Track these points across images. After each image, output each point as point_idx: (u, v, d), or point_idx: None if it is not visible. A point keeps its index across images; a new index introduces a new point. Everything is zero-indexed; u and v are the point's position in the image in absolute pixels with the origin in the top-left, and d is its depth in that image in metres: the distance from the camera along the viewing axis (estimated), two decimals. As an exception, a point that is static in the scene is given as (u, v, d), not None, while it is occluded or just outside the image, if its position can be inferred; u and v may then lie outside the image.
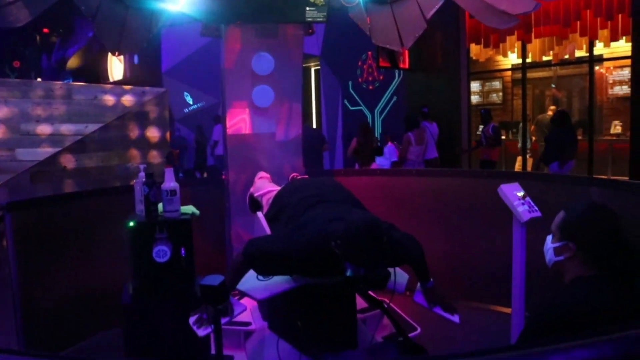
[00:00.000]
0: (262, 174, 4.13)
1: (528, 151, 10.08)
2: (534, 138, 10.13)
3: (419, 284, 3.10)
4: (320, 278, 2.89)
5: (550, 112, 10.01)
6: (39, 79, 16.73)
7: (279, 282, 2.92)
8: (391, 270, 2.75)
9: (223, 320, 2.52)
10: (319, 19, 4.10)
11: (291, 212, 3.05)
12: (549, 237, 1.88)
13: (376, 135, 10.79)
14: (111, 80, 16.82)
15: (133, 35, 4.07)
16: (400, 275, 3.05)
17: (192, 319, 2.71)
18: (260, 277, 2.88)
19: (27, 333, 3.73)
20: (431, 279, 3.09)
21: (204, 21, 4.07)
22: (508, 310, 3.66)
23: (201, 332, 2.63)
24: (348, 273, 2.40)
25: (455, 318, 3.01)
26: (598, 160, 9.17)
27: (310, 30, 4.44)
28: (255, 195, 3.77)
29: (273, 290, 2.90)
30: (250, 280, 2.91)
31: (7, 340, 3.79)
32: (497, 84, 10.97)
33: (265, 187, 3.80)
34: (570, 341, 1.03)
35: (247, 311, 3.83)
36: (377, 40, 4.44)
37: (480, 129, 9.45)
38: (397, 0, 4.21)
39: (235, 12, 3.97)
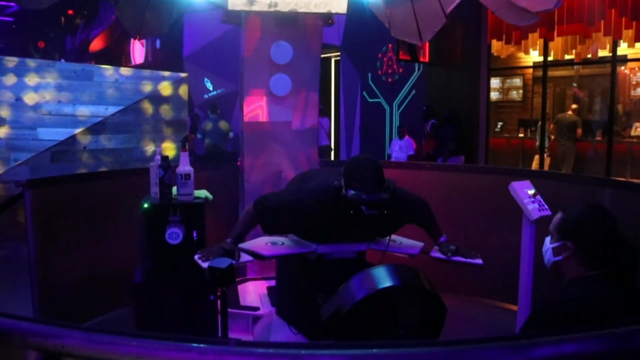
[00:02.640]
0: None
1: (546, 150, 10.00)
2: (552, 137, 10.04)
3: (434, 246, 3.18)
4: (325, 240, 2.97)
5: (570, 112, 9.92)
6: (62, 60, 16.93)
7: (284, 247, 3.04)
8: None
9: (227, 262, 2.55)
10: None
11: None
12: (548, 239, 1.90)
13: (393, 128, 10.79)
14: (133, 63, 16.96)
15: (155, 19, 4.13)
16: (412, 242, 3.25)
17: (197, 255, 2.82)
18: (269, 244, 3.03)
19: (43, 308, 3.83)
20: (444, 235, 3.16)
21: (225, 7, 4.11)
22: (515, 308, 3.68)
23: (204, 265, 2.69)
24: (350, 194, 2.57)
25: (478, 261, 3.06)
26: (617, 162, 9.08)
27: (330, 21, 4.46)
28: None
29: (278, 251, 2.97)
30: (256, 244, 3.03)
31: (24, 314, 3.89)
32: (517, 81, 10.88)
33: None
34: (560, 335, 1.07)
35: (255, 296, 3.91)
36: (396, 33, 4.46)
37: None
38: (417, -6, 4.22)
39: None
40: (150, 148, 7.50)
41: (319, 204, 2.79)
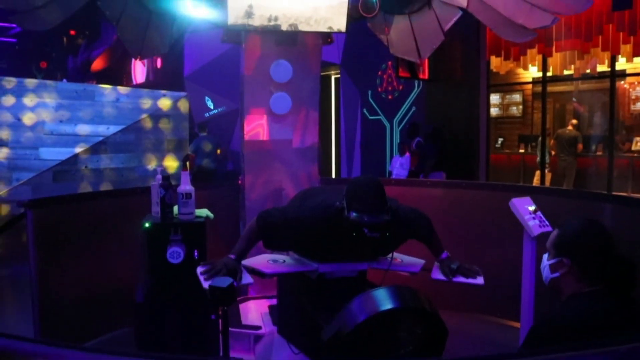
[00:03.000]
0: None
1: (547, 165, 10.01)
2: (553, 152, 10.06)
3: (435, 263, 3.16)
4: (327, 259, 2.97)
5: (570, 127, 9.95)
6: (64, 80, 17.05)
7: (285, 265, 3.03)
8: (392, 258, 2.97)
9: (228, 281, 2.51)
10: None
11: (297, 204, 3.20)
12: (545, 255, 1.91)
13: (394, 145, 10.81)
14: (134, 82, 17.06)
15: (155, 40, 4.18)
16: (413, 260, 3.25)
17: (200, 269, 2.79)
18: (271, 262, 3.02)
19: (43, 327, 3.82)
20: (445, 251, 3.15)
21: (225, 27, 4.15)
22: (518, 325, 3.66)
23: (205, 284, 2.65)
24: (352, 216, 2.57)
25: (480, 280, 3.04)
26: (618, 177, 9.08)
27: (329, 39, 4.50)
28: None
29: (279, 269, 2.97)
30: (258, 261, 3.04)
31: (25, 333, 3.88)
32: (517, 97, 10.93)
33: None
34: (559, 352, 1.06)
35: (257, 315, 3.90)
36: (395, 51, 4.49)
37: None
38: (415, 12, 4.26)
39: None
40: (151, 167, 7.52)
41: (320, 222, 2.79)
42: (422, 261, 3.28)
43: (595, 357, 1.08)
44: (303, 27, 4.09)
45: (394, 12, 4.30)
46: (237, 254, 2.86)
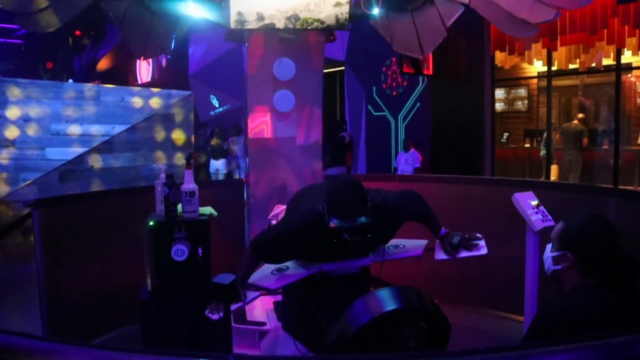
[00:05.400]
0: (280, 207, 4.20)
1: (553, 160, 9.98)
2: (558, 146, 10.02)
3: (436, 242, 3.16)
4: (325, 260, 2.98)
5: (576, 121, 9.91)
6: (70, 80, 17.14)
7: (290, 272, 3.03)
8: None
9: (237, 305, 2.57)
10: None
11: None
12: (549, 246, 1.91)
13: (399, 141, 10.81)
14: (139, 82, 17.13)
15: (158, 39, 4.20)
16: (415, 243, 3.26)
17: (207, 310, 2.83)
18: (275, 272, 3.01)
19: (51, 326, 3.86)
20: (443, 228, 3.15)
21: (227, 27, 4.17)
22: (521, 319, 3.67)
23: (214, 317, 2.74)
24: (332, 223, 2.59)
25: (483, 250, 3.07)
26: (624, 170, 9.04)
27: (332, 37, 4.51)
28: (273, 222, 3.86)
29: (285, 280, 2.99)
30: (263, 273, 3.04)
31: (33, 331, 3.93)
32: (522, 92, 10.89)
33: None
34: (552, 345, 1.08)
35: (262, 311, 3.92)
36: (398, 48, 4.49)
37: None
38: (417, 9, 4.26)
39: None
40: (157, 165, 7.56)
41: (307, 230, 2.80)
42: (424, 242, 3.28)
43: (591, 350, 1.10)
44: (304, 14, 4.08)
45: (396, 8, 4.30)
46: (239, 280, 2.88)
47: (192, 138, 8.26)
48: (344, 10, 4.11)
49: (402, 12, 4.30)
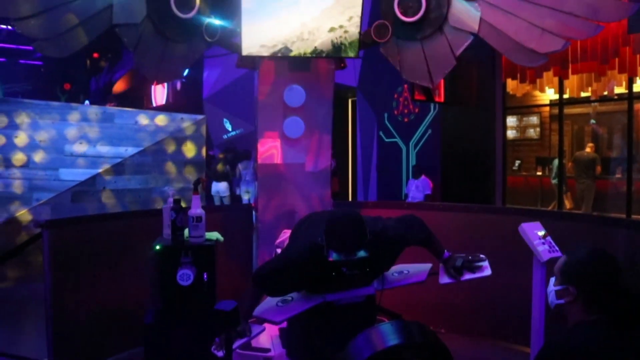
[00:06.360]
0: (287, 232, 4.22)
1: (565, 189, 9.92)
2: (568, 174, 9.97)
3: (440, 266, 3.15)
4: (327, 291, 2.97)
5: (588, 149, 9.86)
6: (87, 102, 17.39)
7: (294, 303, 3.03)
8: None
9: (242, 341, 2.58)
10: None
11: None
12: (552, 279, 1.90)
13: (410, 167, 10.80)
14: (154, 105, 17.34)
15: (172, 64, 4.27)
16: (419, 268, 3.23)
17: (213, 347, 2.88)
18: (280, 303, 3.00)
19: (56, 347, 3.87)
20: (446, 251, 3.14)
21: (239, 54, 4.23)
22: (528, 350, 3.62)
23: (220, 354, 2.77)
24: (331, 257, 2.60)
25: (487, 271, 3.07)
26: (638, 200, 8.95)
27: (342, 65, 4.56)
28: (278, 251, 3.90)
29: (289, 312, 2.98)
30: (267, 306, 3.03)
31: (39, 352, 3.95)
32: (534, 119, 10.88)
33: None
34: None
35: (267, 338, 3.91)
36: (407, 76, 4.53)
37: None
38: (427, 37, 4.30)
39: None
40: (168, 187, 7.63)
41: (308, 262, 2.82)
42: (428, 266, 3.27)
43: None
44: (296, 45, 4.13)
45: (406, 37, 4.34)
46: (244, 315, 2.90)
47: (204, 161, 8.33)
48: (338, 35, 4.16)
49: (411, 40, 4.34)
